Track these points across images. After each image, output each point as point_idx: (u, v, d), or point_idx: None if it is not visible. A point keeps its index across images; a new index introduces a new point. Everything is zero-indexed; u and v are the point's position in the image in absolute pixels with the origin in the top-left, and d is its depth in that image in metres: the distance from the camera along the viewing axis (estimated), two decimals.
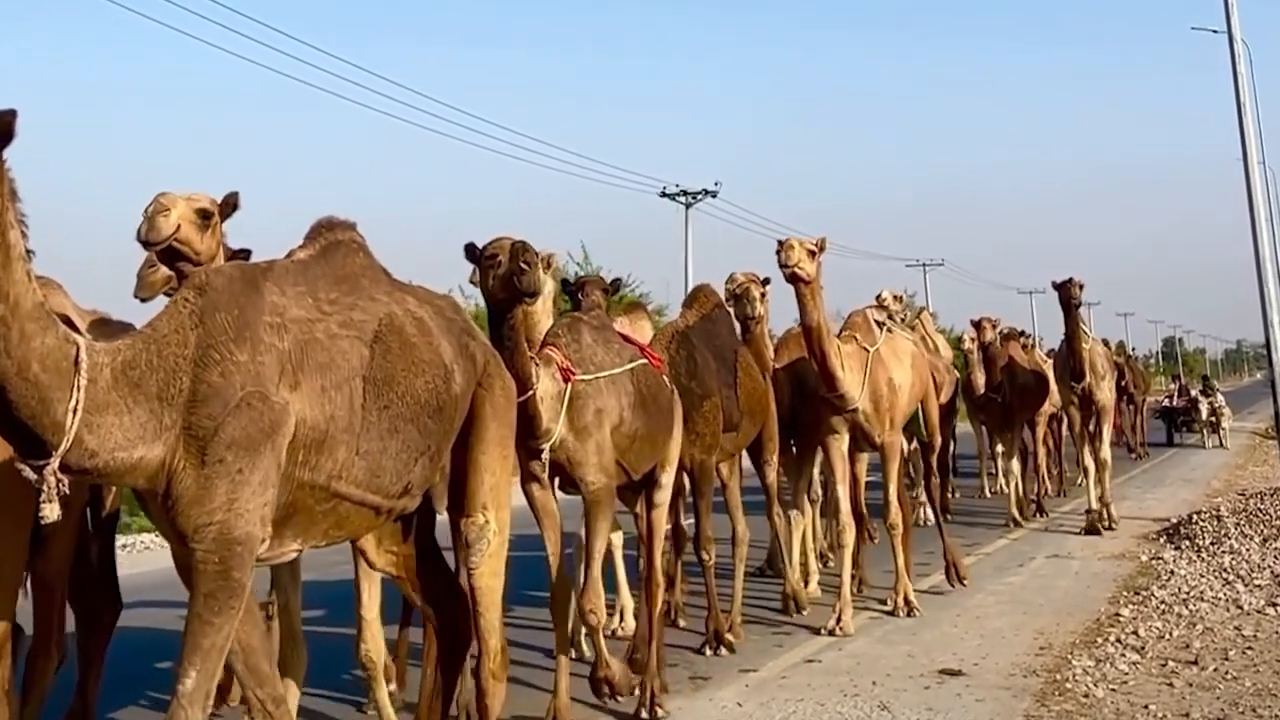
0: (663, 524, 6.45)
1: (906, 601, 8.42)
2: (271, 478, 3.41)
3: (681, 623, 8.21)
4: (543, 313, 6.66)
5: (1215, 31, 21.57)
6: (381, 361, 3.84)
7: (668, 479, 6.45)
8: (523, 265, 5.02)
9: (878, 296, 11.36)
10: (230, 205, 4.89)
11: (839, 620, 7.88)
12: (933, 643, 7.49)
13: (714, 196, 38.42)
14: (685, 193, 38.44)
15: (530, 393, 5.35)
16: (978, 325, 14.13)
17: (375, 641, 5.40)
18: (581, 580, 6.14)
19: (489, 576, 4.47)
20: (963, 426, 18.17)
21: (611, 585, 8.38)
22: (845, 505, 8.33)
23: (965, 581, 9.14)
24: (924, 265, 58.99)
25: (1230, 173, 22.47)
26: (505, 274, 5.08)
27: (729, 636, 7.52)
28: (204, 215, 4.75)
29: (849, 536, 8.28)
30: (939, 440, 9.54)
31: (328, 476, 3.64)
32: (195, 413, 3.32)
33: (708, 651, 7.34)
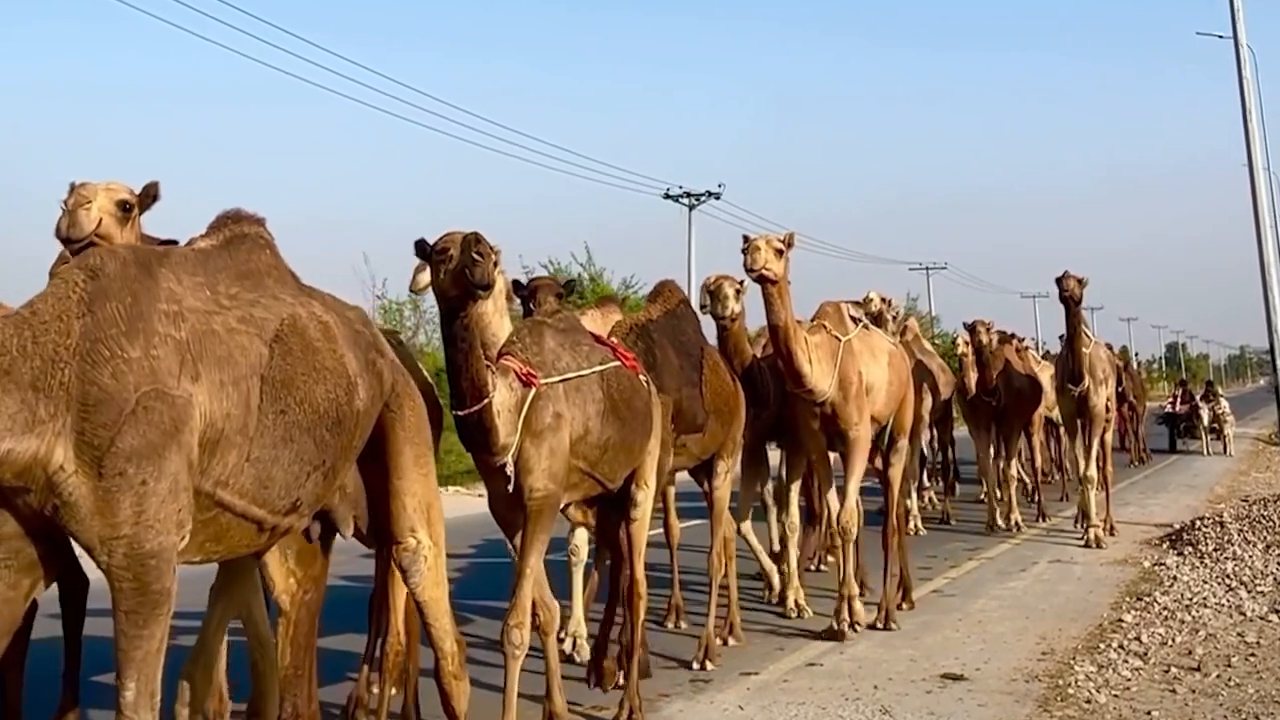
0: (643, 536, 6.13)
1: (888, 615, 8.15)
2: (183, 480, 3.19)
3: (683, 625, 8.18)
4: (494, 312, 6.24)
5: (1221, 37, 21.60)
6: (281, 363, 3.57)
7: (644, 497, 6.08)
8: (475, 256, 4.72)
9: (865, 297, 11.25)
10: (150, 196, 4.62)
11: (850, 610, 7.79)
12: (935, 647, 7.47)
13: (717, 198, 38.51)
14: (689, 194, 38.51)
15: (485, 401, 5.02)
16: (971, 328, 14.07)
17: (205, 669, 4.64)
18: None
19: (431, 588, 4.35)
20: (963, 431, 18.09)
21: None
22: (835, 505, 8.07)
23: (894, 626, 8.06)
24: (927, 269, 59.05)
25: (1235, 177, 22.44)
26: (457, 268, 4.76)
27: (717, 657, 7.13)
28: (124, 207, 4.50)
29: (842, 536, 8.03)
30: (904, 443, 8.83)
31: (214, 483, 3.36)
32: (88, 419, 3.07)
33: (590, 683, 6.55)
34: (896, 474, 8.74)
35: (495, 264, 4.83)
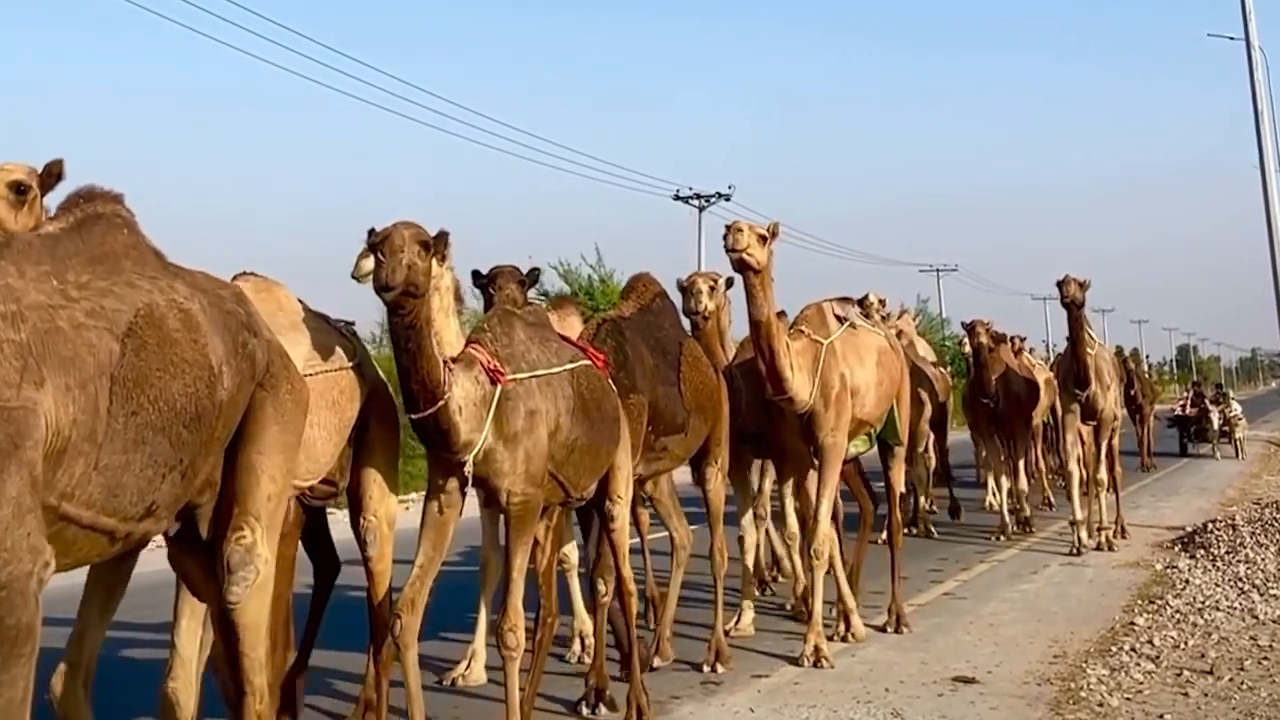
0: (624, 542, 5.95)
1: (899, 619, 8.09)
2: (26, 501, 2.86)
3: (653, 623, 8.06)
4: (438, 310, 5.76)
5: (1232, 38, 21.55)
6: (134, 359, 3.23)
7: (620, 511, 5.89)
8: (378, 257, 4.41)
9: (863, 298, 11.14)
10: (53, 175, 4.23)
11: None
12: (946, 650, 7.46)
13: (727, 200, 38.52)
14: (699, 196, 38.54)
15: (440, 403, 4.72)
16: (970, 328, 13.91)
17: (185, 681, 4.48)
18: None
19: (256, 612, 3.74)
20: (956, 435, 17.84)
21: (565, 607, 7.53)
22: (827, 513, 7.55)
23: (905, 629, 8.01)
24: (937, 270, 58.99)
25: (1248, 178, 22.37)
26: (377, 265, 4.47)
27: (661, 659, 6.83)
28: (18, 189, 4.14)
29: (832, 545, 7.66)
30: (903, 448, 8.47)
31: (59, 496, 3.02)
32: None
33: (584, 710, 6.18)
34: (897, 477, 8.48)
35: (444, 258, 4.51)
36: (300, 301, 5.34)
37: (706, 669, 6.98)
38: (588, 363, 5.53)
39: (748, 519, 8.69)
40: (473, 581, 7.36)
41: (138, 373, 3.23)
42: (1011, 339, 15.00)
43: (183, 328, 3.45)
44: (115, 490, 3.18)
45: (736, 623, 8.09)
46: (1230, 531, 11.38)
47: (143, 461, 3.25)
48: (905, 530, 11.06)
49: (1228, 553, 10.53)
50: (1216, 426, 26.16)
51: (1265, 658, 6.97)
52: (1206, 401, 27.22)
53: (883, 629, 8.04)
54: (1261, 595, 8.73)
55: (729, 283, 7.71)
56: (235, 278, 4.83)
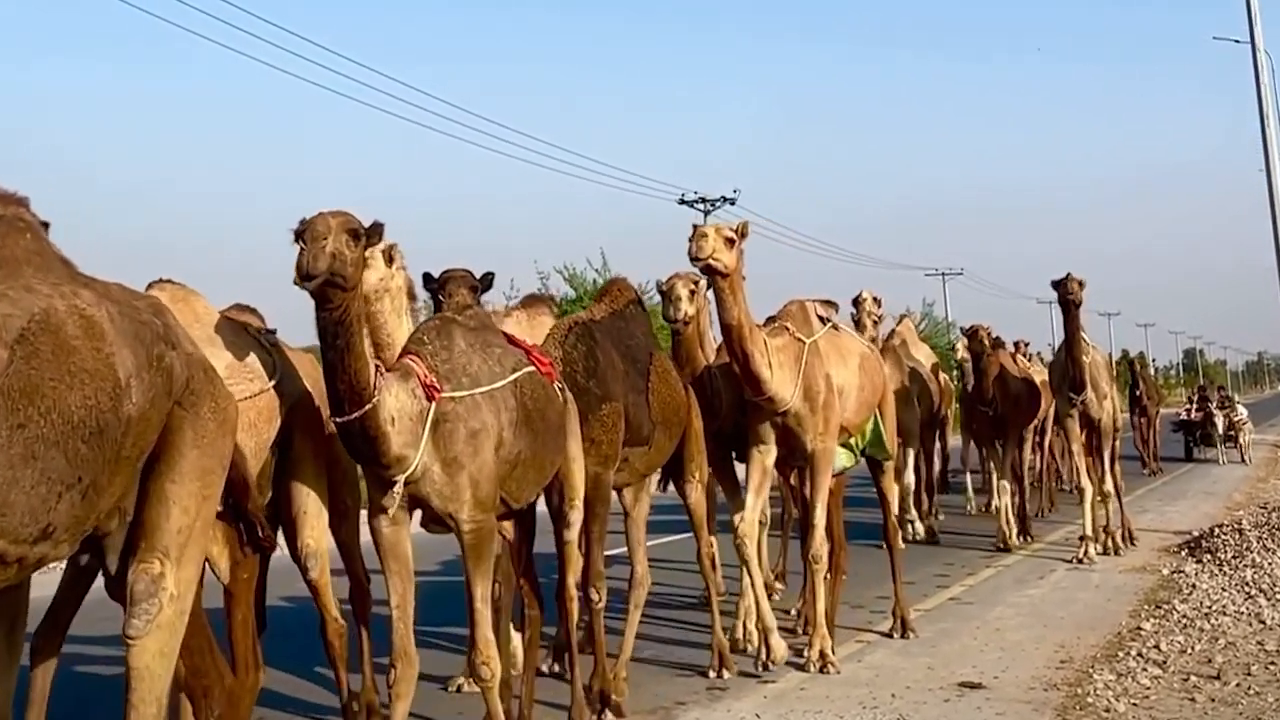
0: (575, 554, 5.79)
1: (904, 624, 8.01)
2: None
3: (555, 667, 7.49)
4: (390, 311, 5.49)
5: (1238, 41, 21.55)
6: (23, 367, 2.95)
7: (577, 517, 5.71)
8: (301, 245, 4.17)
9: (857, 296, 11.04)
10: None
11: (821, 651, 7.10)
12: (952, 655, 7.44)
13: (732, 203, 38.58)
14: (704, 200, 38.60)
15: (366, 407, 4.41)
16: (971, 334, 13.80)
17: None
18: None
19: (154, 655, 3.38)
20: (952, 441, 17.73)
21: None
22: (740, 522, 7.10)
23: (911, 634, 7.93)
24: (943, 274, 59.09)
25: (1252, 181, 22.34)
26: (300, 253, 4.21)
27: (616, 696, 6.22)
28: None
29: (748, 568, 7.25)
30: (892, 458, 8.26)
31: None
32: None
33: (590, 717, 6.06)
34: (888, 485, 8.31)
35: (391, 258, 4.26)
36: (258, 312, 5.18)
37: (712, 674, 6.97)
38: (532, 369, 5.25)
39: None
40: (460, 589, 7.32)
41: (27, 382, 2.96)
42: (1016, 343, 14.93)
43: (84, 335, 3.16)
44: (2, 509, 2.91)
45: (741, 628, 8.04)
46: (1237, 536, 11.35)
47: (33, 478, 2.97)
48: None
49: (1234, 557, 10.50)
50: (1221, 430, 26.04)
51: (1272, 662, 6.95)
52: (1211, 406, 27.05)
53: (888, 634, 8.03)
54: (1268, 600, 8.71)
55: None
56: (150, 286, 4.68)
